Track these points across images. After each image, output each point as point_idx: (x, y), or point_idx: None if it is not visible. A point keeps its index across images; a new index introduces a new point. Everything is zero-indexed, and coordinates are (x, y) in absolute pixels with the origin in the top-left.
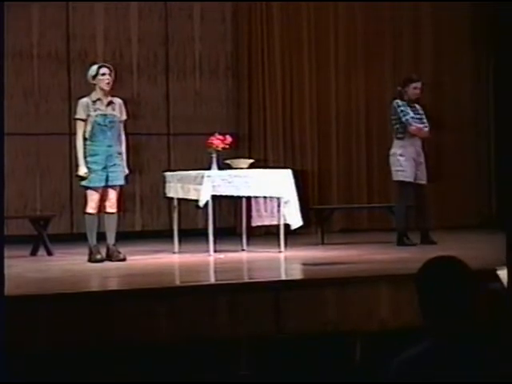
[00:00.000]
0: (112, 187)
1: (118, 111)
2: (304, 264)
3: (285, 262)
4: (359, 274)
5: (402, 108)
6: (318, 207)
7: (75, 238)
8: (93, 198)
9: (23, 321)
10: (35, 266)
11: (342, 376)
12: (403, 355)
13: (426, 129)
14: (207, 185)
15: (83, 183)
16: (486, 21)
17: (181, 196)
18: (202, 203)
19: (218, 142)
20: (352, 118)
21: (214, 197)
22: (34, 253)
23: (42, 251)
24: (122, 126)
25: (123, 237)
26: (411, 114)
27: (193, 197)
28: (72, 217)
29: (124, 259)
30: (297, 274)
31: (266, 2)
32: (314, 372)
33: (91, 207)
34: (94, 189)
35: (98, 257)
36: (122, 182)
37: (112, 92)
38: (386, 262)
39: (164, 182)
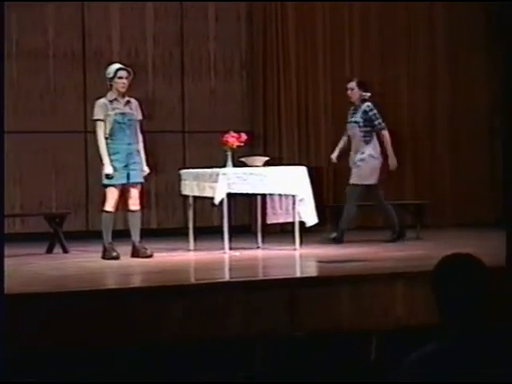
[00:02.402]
0: (133, 185)
1: (135, 111)
2: (319, 261)
3: (300, 260)
4: (374, 272)
5: (375, 111)
6: (333, 205)
7: (90, 235)
8: (113, 196)
9: (38, 318)
10: (51, 264)
11: (357, 375)
12: (415, 354)
13: None
14: (222, 183)
15: (105, 181)
16: (501, 21)
17: (196, 194)
18: (217, 201)
19: (233, 139)
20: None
21: (229, 194)
22: (49, 250)
23: (57, 249)
24: (138, 125)
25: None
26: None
27: (208, 194)
28: (87, 214)
29: (151, 255)
30: (312, 271)
31: (280, 2)
32: (328, 371)
33: (110, 205)
34: (116, 186)
35: (114, 254)
36: (141, 179)
37: (128, 92)
38: (402, 259)
39: (179, 180)
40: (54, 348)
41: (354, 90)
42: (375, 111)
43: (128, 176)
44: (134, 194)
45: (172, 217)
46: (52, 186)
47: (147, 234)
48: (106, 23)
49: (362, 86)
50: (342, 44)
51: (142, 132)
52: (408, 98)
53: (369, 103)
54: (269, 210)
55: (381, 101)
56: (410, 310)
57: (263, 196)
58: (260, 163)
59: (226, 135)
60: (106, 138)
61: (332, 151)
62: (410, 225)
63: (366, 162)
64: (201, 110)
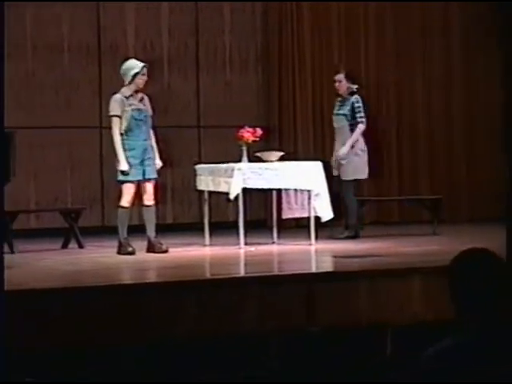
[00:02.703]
0: (148, 181)
1: (148, 107)
2: (335, 256)
3: (315, 255)
4: (390, 267)
5: (361, 105)
6: None
7: (106, 230)
8: (129, 192)
9: (54, 313)
10: (66, 259)
11: (373, 370)
12: (432, 349)
13: None
14: (238, 177)
15: (121, 178)
16: None
17: (211, 189)
18: (232, 196)
19: (248, 134)
20: (382, 112)
21: (244, 189)
22: (65, 245)
23: (73, 244)
24: (150, 121)
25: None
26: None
27: (223, 189)
28: (103, 209)
29: (166, 250)
30: (327, 266)
31: (296, 2)
32: (344, 366)
33: (126, 201)
34: (132, 182)
35: (130, 249)
36: (155, 175)
37: (144, 86)
38: (418, 254)
39: (195, 175)
40: (69, 344)
41: (341, 82)
42: (360, 104)
43: (143, 172)
44: (149, 189)
45: (187, 212)
46: (67, 182)
47: (163, 228)
48: (121, 17)
49: (349, 78)
50: (358, 44)
51: (153, 127)
52: (423, 97)
53: (357, 96)
54: (284, 205)
55: (396, 100)
56: (427, 304)
57: (279, 191)
58: (275, 158)
59: (242, 130)
60: (122, 134)
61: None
62: (427, 220)
63: (359, 156)
64: (216, 104)
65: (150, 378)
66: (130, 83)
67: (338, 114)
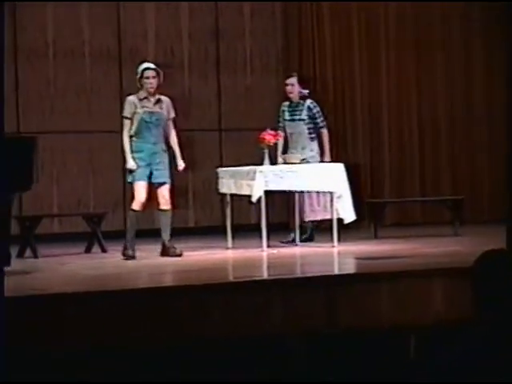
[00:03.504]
0: (160, 185)
1: (166, 110)
2: (357, 258)
3: (338, 257)
4: (413, 268)
5: (319, 109)
6: (371, 201)
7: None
8: (139, 194)
9: (77, 317)
10: (89, 263)
11: (395, 372)
12: (453, 350)
13: None
14: (260, 180)
15: (129, 178)
16: None
17: (233, 192)
18: (254, 198)
19: (269, 137)
20: (403, 111)
21: (266, 192)
22: (88, 250)
23: (96, 248)
24: (171, 123)
25: (176, 233)
26: None
27: (246, 192)
28: (125, 213)
29: (180, 254)
30: (350, 268)
31: (316, 2)
32: (367, 368)
33: (136, 204)
34: (139, 183)
35: (130, 253)
36: (167, 179)
37: (159, 90)
38: (440, 255)
39: (217, 178)
40: (93, 347)
41: (294, 85)
42: (319, 109)
43: (151, 175)
44: (163, 193)
45: (210, 215)
46: (89, 186)
47: (185, 232)
48: (142, 21)
49: (301, 82)
50: (378, 43)
51: (176, 129)
52: (445, 97)
53: (312, 101)
54: (307, 208)
55: (418, 99)
56: (449, 306)
57: (301, 193)
58: (297, 160)
59: (263, 133)
60: (132, 136)
61: (370, 148)
62: (448, 221)
63: (317, 159)
64: (237, 107)
65: (174, 379)
66: (142, 86)
67: (293, 120)
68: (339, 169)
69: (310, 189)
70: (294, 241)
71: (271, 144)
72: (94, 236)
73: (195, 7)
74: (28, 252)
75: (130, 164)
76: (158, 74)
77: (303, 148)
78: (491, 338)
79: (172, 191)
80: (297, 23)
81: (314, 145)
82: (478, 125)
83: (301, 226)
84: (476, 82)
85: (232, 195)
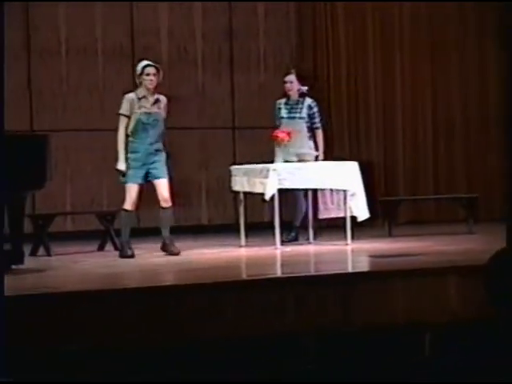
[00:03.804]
0: (159, 180)
1: (163, 109)
2: (371, 256)
3: (352, 255)
4: (427, 266)
5: (318, 108)
6: (385, 199)
7: (142, 232)
8: (130, 195)
9: (90, 316)
10: (103, 261)
11: (411, 370)
12: (470, 346)
13: None
14: (273, 178)
15: (121, 179)
16: None
17: (247, 189)
18: (268, 196)
19: (282, 135)
20: (418, 111)
21: (280, 190)
22: (101, 248)
23: (109, 246)
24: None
25: (189, 230)
26: None
27: (259, 190)
28: (138, 211)
29: (178, 253)
30: (364, 266)
31: (330, 1)
32: (382, 366)
33: (128, 204)
34: (132, 186)
35: (129, 252)
36: (164, 175)
37: (158, 89)
38: (454, 253)
39: (230, 176)
40: (106, 345)
41: (293, 82)
42: (318, 108)
43: (147, 175)
44: (161, 191)
45: (223, 213)
46: (103, 184)
47: (198, 230)
48: (155, 20)
49: (300, 79)
50: (392, 43)
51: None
52: (459, 96)
53: (312, 99)
54: (320, 205)
55: (432, 99)
56: (463, 303)
57: (314, 191)
58: (311, 158)
59: (276, 131)
60: (128, 136)
61: (384, 146)
62: (463, 219)
63: (313, 156)
64: (250, 105)
65: (187, 378)
66: (141, 84)
67: (293, 118)
68: (353, 167)
69: (323, 187)
70: (296, 239)
71: (284, 142)
72: (107, 234)
73: (208, 7)
74: (41, 250)
75: (121, 165)
76: (158, 71)
77: (301, 146)
78: (505, 334)
79: (171, 188)
80: (311, 23)
81: (311, 143)
82: (492, 124)
83: (291, 226)
84: (490, 82)
85: (245, 193)
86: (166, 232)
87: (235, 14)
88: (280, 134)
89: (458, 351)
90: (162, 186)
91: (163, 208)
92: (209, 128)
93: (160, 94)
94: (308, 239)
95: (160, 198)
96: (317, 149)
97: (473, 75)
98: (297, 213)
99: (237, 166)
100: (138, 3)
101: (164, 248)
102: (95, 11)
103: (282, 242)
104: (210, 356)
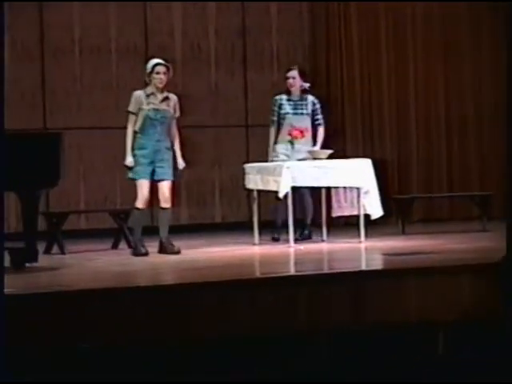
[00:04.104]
0: (162, 182)
1: (173, 108)
2: (384, 254)
3: (365, 253)
4: (441, 264)
5: (320, 106)
6: (398, 197)
7: (155, 230)
8: (142, 192)
9: (104, 314)
10: (116, 260)
11: (424, 369)
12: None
13: None
14: (286, 176)
15: (129, 176)
16: None
17: (260, 187)
18: (281, 194)
19: (296, 133)
20: (431, 107)
21: (293, 188)
22: (115, 246)
23: (122, 244)
24: (174, 122)
25: (203, 229)
26: None
27: (272, 188)
28: (152, 209)
29: (178, 252)
30: (377, 264)
31: (343, 1)
32: (395, 365)
33: (140, 202)
34: (141, 181)
35: (143, 251)
36: (169, 177)
37: (168, 87)
38: (467, 251)
39: (243, 174)
40: (119, 343)
41: (295, 78)
42: (320, 105)
43: (153, 173)
44: (163, 191)
45: (236, 211)
46: (116, 182)
47: (211, 227)
48: (168, 20)
49: (302, 75)
50: (405, 43)
51: (179, 129)
52: (472, 95)
53: (313, 97)
54: (334, 203)
55: (445, 98)
56: (477, 301)
57: (328, 189)
58: (324, 156)
59: (290, 128)
60: (136, 132)
61: (397, 144)
62: (477, 217)
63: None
64: (263, 103)
65: (201, 377)
66: (150, 81)
67: (300, 114)
68: (366, 164)
69: (337, 184)
70: (310, 237)
71: (298, 139)
72: (120, 232)
73: (222, 7)
74: (55, 248)
75: (128, 161)
76: (168, 70)
77: (305, 143)
78: None
79: (173, 189)
80: (324, 23)
81: (312, 140)
82: (506, 123)
83: (304, 224)
84: (503, 81)
85: (259, 191)
86: (163, 232)
87: (248, 14)
88: (294, 131)
89: (471, 350)
90: (165, 187)
91: (163, 208)
92: (222, 126)
93: (169, 92)
94: (321, 237)
95: (161, 197)
96: (314, 144)
97: (486, 74)
98: (306, 210)
99: (250, 164)
100: (152, 3)
101: (162, 250)
102: (109, 11)
103: (296, 240)
104: (224, 354)
